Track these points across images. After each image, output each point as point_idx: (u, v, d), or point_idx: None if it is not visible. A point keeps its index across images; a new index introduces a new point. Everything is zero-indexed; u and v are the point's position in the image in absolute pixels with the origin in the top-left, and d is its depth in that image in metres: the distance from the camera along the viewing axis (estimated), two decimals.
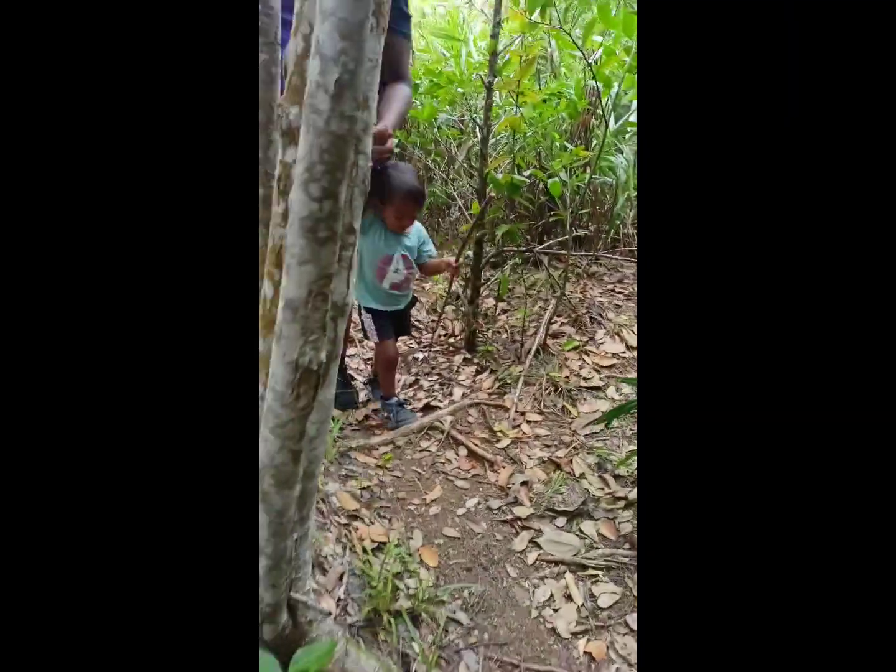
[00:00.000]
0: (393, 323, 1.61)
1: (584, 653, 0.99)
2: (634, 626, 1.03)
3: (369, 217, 1.46)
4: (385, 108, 1.27)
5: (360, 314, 1.61)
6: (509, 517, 1.29)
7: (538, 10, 1.69)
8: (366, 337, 1.69)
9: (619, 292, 2.40)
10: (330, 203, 0.52)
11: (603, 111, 2.01)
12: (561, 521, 1.27)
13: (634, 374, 1.57)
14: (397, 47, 1.31)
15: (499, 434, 1.58)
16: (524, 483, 1.39)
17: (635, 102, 2.50)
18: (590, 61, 1.80)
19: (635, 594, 1.09)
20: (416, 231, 1.57)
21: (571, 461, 1.44)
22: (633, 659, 0.97)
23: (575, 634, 1.02)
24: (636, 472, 1.38)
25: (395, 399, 1.65)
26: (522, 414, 1.65)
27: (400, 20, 1.29)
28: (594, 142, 2.46)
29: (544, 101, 2.19)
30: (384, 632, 0.96)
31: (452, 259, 1.67)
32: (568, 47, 2.06)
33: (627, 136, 2.54)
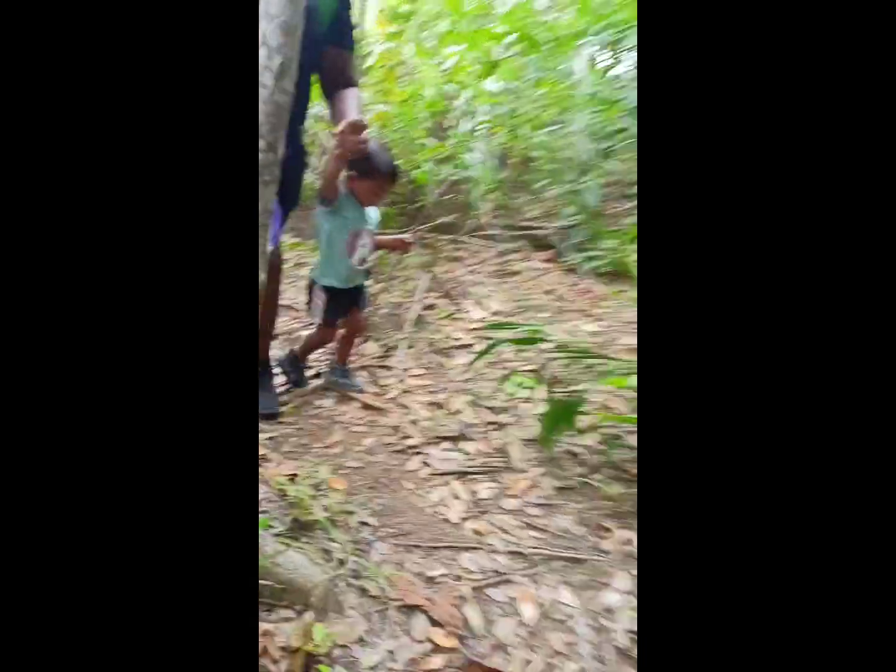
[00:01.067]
0: (350, 301, 1.67)
1: (472, 530, 1.25)
2: (507, 508, 1.32)
3: (340, 196, 1.53)
4: (347, 107, 1.38)
5: (310, 293, 1.66)
6: (402, 447, 1.52)
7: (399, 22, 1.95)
8: (310, 315, 1.72)
9: (480, 272, 2.76)
10: (272, 154, 0.71)
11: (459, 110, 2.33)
12: (445, 444, 1.53)
13: (494, 333, 1.88)
14: (345, 59, 1.43)
15: (387, 388, 1.80)
16: (413, 421, 1.63)
17: (485, 106, 2.89)
18: (444, 68, 2.11)
19: (507, 487, 1.39)
20: (375, 210, 1.67)
21: (450, 400, 1.71)
22: (508, 529, 1.26)
23: (463, 520, 1.28)
24: (505, 403, 1.70)
25: (304, 365, 1.81)
26: (406, 370, 1.90)
27: (346, 34, 1.40)
28: (451, 139, 2.79)
29: (405, 101, 2.46)
30: (306, 536, 1.13)
31: (407, 236, 1.77)
32: (424, 56, 2.35)
33: (478, 133, 2.92)
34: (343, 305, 1.66)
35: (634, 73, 4.81)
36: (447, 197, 2.73)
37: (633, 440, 1.50)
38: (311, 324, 1.82)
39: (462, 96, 2.40)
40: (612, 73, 4.52)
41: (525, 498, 1.35)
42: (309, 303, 1.68)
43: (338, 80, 1.42)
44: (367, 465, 1.44)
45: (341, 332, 1.75)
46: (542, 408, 1.56)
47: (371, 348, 2.05)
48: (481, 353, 1.53)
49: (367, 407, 1.72)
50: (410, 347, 2.02)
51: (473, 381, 1.84)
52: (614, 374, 1.47)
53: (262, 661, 0.90)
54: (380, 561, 1.14)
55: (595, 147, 3.25)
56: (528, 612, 1.07)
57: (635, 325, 2.02)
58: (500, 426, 1.61)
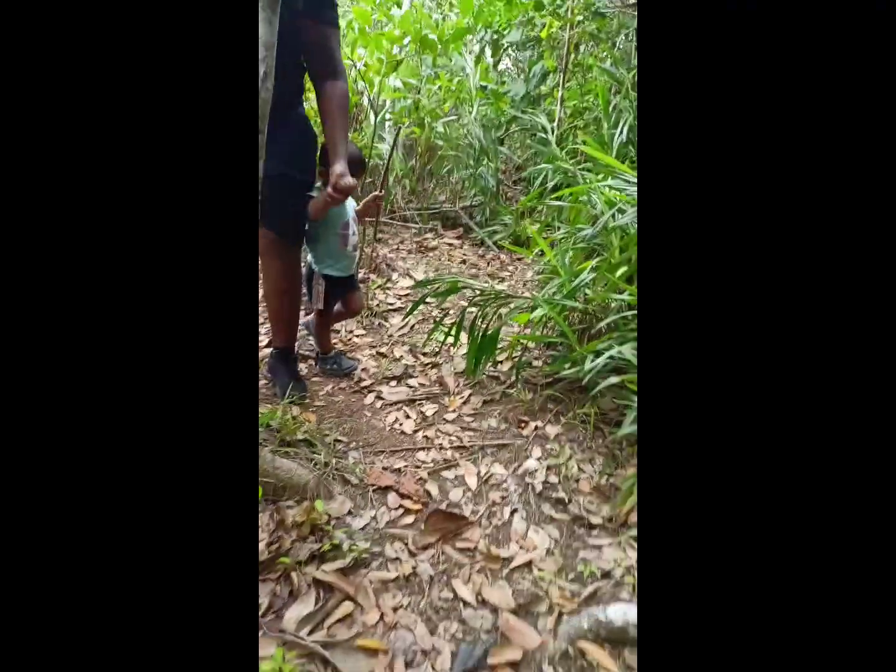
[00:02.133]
0: (345, 287, 1.83)
1: (423, 437, 1.60)
2: (448, 420, 1.68)
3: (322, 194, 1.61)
4: (332, 124, 1.36)
5: (308, 281, 1.79)
6: (357, 388, 1.83)
7: None
8: (310, 301, 1.85)
9: (401, 250, 3.09)
10: (260, 138, 0.99)
11: (371, 104, 2.64)
12: (393, 383, 1.86)
13: (421, 289, 2.22)
14: (329, 38, 1.34)
15: (335, 347, 2.09)
16: (363, 369, 1.94)
17: (389, 101, 3.20)
18: (357, 67, 2.40)
19: (448, 407, 1.74)
20: (349, 200, 1.79)
21: (392, 350, 2.04)
22: (450, 433, 1.61)
23: (415, 431, 1.63)
24: (437, 348, 2.06)
25: (334, 351, 1.94)
26: (351, 331, 2.19)
27: (326, 9, 1.32)
28: (365, 131, 3.09)
29: None
30: (293, 452, 1.42)
31: (377, 193, 1.83)
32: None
33: (388, 126, 3.23)
34: (340, 290, 1.83)
35: (514, 67, 5.32)
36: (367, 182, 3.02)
37: (537, 362, 1.92)
38: (309, 310, 1.97)
39: (369, 93, 2.70)
40: (499, 67, 4.99)
41: (460, 411, 1.72)
42: (309, 291, 1.81)
43: (326, 65, 1.37)
44: (330, 404, 1.74)
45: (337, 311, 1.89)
46: (465, 349, 1.93)
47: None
48: (414, 306, 1.87)
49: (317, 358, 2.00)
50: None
51: (409, 336, 2.18)
52: (520, 312, 1.87)
53: (279, 533, 1.19)
54: (355, 461, 1.46)
55: (489, 135, 3.68)
56: (472, 482, 1.43)
57: (535, 282, 2.45)
58: (435, 365, 1.97)
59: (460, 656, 0.99)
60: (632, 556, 1.19)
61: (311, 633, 1.01)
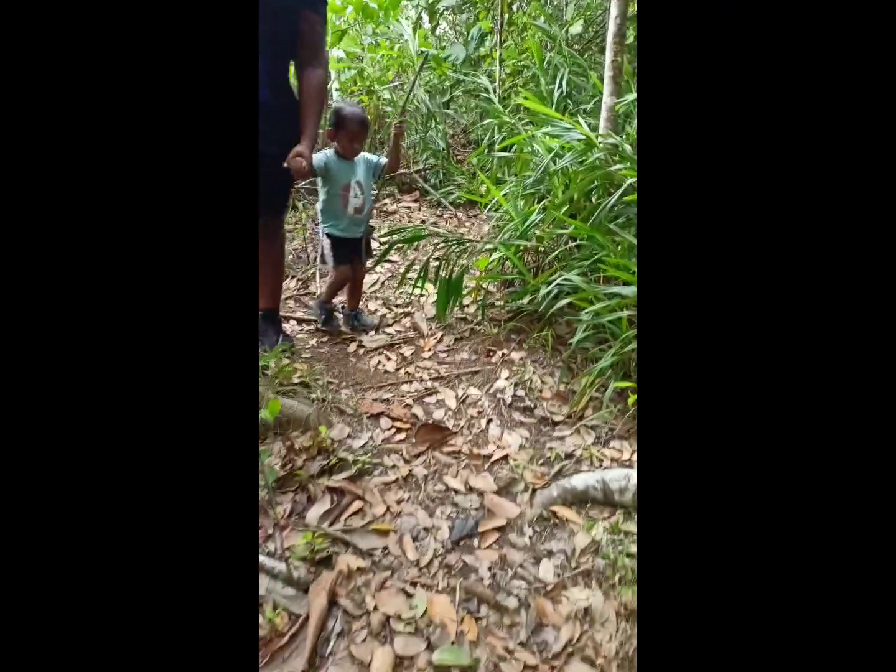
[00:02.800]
0: (351, 249, 1.92)
1: (404, 373, 1.80)
2: (425, 357, 1.88)
3: (325, 158, 1.79)
4: (306, 109, 1.47)
5: (319, 243, 1.92)
6: (339, 339, 2.01)
7: None
8: (323, 262, 2.00)
9: None
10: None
11: None
12: (371, 333, 2.05)
13: (388, 238, 2.39)
14: (313, 26, 1.44)
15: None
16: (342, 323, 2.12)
17: (335, 72, 3.27)
18: None
19: (422, 347, 1.94)
20: (364, 160, 1.89)
21: (367, 304, 2.21)
22: (428, 367, 1.82)
23: (397, 369, 1.82)
24: (408, 300, 2.24)
25: (329, 306, 2.06)
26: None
27: (320, 2, 1.45)
28: None
29: None
30: (291, 392, 1.59)
31: (396, 124, 1.83)
32: None
33: (335, 95, 3.31)
34: (346, 251, 1.91)
35: (453, 31, 5.38)
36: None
37: (499, 302, 2.13)
38: (322, 270, 2.12)
39: None
40: (437, 32, 5.05)
41: (435, 349, 1.92)
42: (319, 250, 1.95)
43: (310, 52, 1.47)
44: (317, 355, 1.91)
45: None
46: (433, 298, 2.12)
47: (292, 284, 2.46)
48: (381, 256, 2.04)
49: (301, 321, 2.16)
50: (322, 277, 2.46)
51: (381, 291, 2.35)
52: (479, 257, 2.07)
53: (290, 456, 1.37)
54: (348, 397, 1.65)
55: (435, 101, 3.80)
56: (452, 403, 1.65)
57: (492, 234, 2.64)
58: (408, 314, 2.16)
59: (456, 528, 1.22)
60: (588, 439, 1.43)
61: (330, 525, 1.21)
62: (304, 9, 1.42)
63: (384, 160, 1.91)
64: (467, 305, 2.17)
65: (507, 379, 1.72)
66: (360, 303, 2.13)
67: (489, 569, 1.12)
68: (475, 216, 3.23)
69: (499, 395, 1.66)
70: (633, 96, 2.14)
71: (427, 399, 1.68)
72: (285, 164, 1.52)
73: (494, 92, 3.52)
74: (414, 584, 1.08)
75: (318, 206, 1.91)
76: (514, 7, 4.07)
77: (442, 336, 2.00)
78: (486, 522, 1.23)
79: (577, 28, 3.97)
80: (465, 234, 2.94)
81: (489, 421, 1.56)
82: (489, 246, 1.95)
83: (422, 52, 4.01)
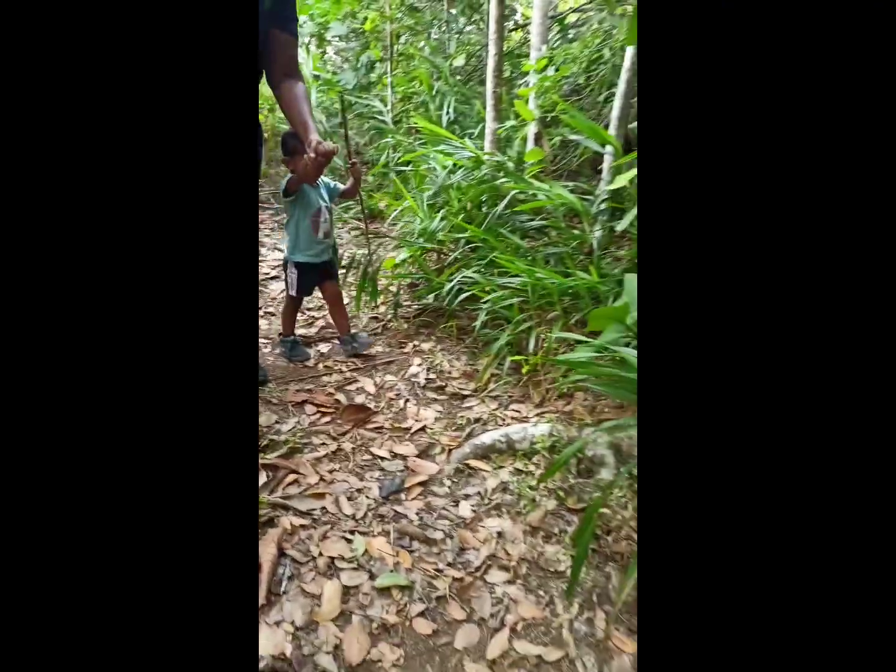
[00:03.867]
0: (318, 274, 1.90)
1: (323, 367, 1.93)
2: (341, 359, 2.02)
3: (294, 188, 1.74)
4: (299, 110, 1.43)
5: (285, 270, 1.90)
6: (322, 370, 2.08)
7: None
8: (287, 289, 1.94)
9: (266, 229, 3.29)
10: None
11: None
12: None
13: None
14: (288, 46, 1.43)
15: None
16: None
17: None
18: None
19: (397, 309, 2.08)
20: (324, 184, 1.88)
21: (279, 309, 2.31)
22: (345, 360, 1.96)
23: (316, 364, 1.95)
24: (316, 301, 2.36)
25: (293, 336, 2.00)
26: None
27: (290, 22, 1.42)
28: None
29: None
30: None
31: (353, 164, 1.84)
32: None
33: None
34: (313, 278, 1.90)
35: (339, 57, 5.61)
36: None
37: (407, 301, 2.34)
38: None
39: None
40: (324, 58, 5.25)
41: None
42: (285, 279, 1.92)
43: (286, 69, 1.44)
44: None
45: (325, 309, 2.01)
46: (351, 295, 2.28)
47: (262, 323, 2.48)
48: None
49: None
50: None
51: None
52: (386, 259, 2.27)
53: None
54: (272, 389, 1.75)
55: (331, 121, 3.98)
56: (371, 388, 1.81)
57: (399, 242, 2.83)
58: (324, 316, 2.29)
59: (384, 487, 1.38)
60: (492, 406, 1.68)
61: (269, 495, 1.32)
62: (273, 28, 1.39)
63: (341, 186, 1.93)
64: (378, 306, 2.35)
65: (419, 365, 1.92)
66: (272, 308, 2.21)
67: (417, 514, 1.30)
68: (379, 226, 3.43)
69: (413, 379, 1.86)
70: (511, 122, 2.48)
71: (348, 387, 1.82)
72: (312, 154, 1.42)
73: (388, 114, 3.78)
74: (352, 532, 1.23)
75: (287, 234, 1.88)
76: (402, 39, 4.39)
77: (357, 332, 2.16)
78: (410, 479, 1.41)
79: (459, 61, 4.38)
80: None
81: (406, 401, 1.75)
82: (398, 247, 2.16)
83: (315, 75, 4.17)
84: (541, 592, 1.09)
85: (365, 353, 1.96)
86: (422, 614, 1.05)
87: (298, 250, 1.84)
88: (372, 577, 1.12)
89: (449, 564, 1.16)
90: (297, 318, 2.08)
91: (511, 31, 4.38)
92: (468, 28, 4.59)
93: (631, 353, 1.09)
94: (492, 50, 2.28)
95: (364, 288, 2.12)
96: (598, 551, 1.15)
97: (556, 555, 1.17)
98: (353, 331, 2.02)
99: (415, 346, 2.05)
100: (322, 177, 1.84)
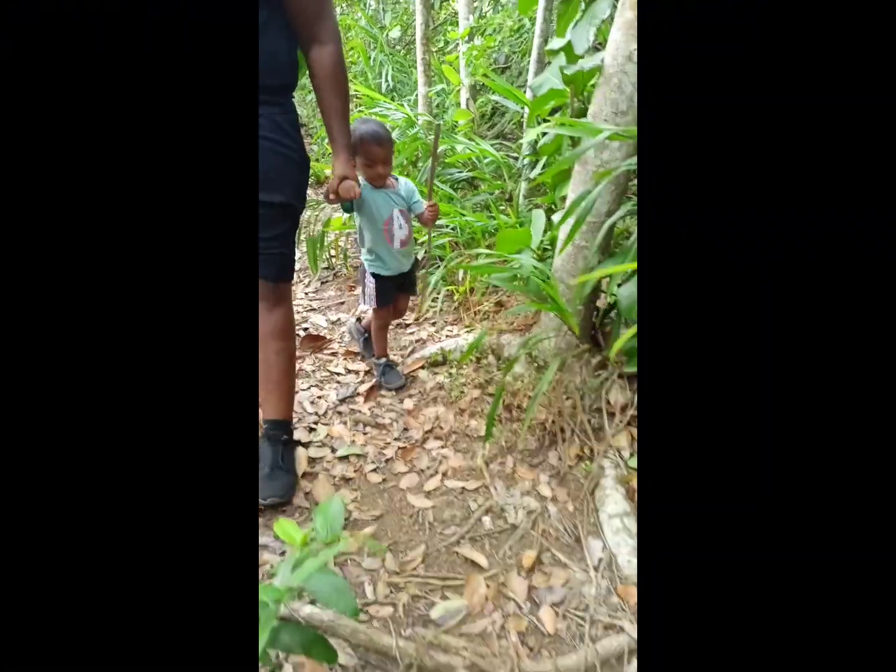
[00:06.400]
0: (397, 287, 1.63)
1: None
2: (299, 297, 2.26)
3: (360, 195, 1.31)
4: (325, 106, 1.12)
5: (363, 279, 1.60)
6: None
7: None
8: (364, 301, 1.65)
9: None
10: None
11: None
12: None
13: None
14: None
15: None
16: None
17: None
18: None
19: (296, 292, 2.31)
20: (404, 185, 1.52)
21: None
22: (301, 303, 2.21)
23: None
24: None
25: (385, 359, 1.72)
26: None
27: None
28: None
29: None
30: None
31: (432, 202, 1.51)
32: None
33: None
34: (391, 289, 1.63)
35: None
36: None
37: (353, 251, 2.59)
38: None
39: None
40: None
41: (306, 290, 2.32)
42: (362, 289, 1.64)
43: (311, 25, 1.06)
44: None
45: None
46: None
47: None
48: None
49: None
50: None
51: None
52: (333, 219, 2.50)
53: None
54: None
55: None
56: (324, 323, 2.07)
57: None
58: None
59: (340, 393, 1.66)
60: (430, 329, 1.97)
61: None
62: None
63: (423, 202, 1.54)
64: (330, 258, 2.59)
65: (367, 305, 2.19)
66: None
67: (369, 409, 1.59)
68: (321, 193, 3.63)
69: (362, 315, 2.13)
70: (441, 86, 2.73)
71: (303, 324, 2.08)
72: (331, 196, 1.24)
73: None
74: (315, 423, 1.51)
75: (361, 241, 1.57)
76: (339, 10, 4.50)
77: (310, 282, 2.40)
78: (362, 387, 1.69)
79: (395, 33, 4.54)
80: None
81: None
82: None
83: None
84: (466, 451, 1.41)
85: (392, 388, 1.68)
86: (374, 471, 1.35)
87: (373, 262, 1.58)
88: (333, 451, 1.41)
89: (395, 439, 1.46)
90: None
91: (444, 1, 4.57)
92: None
93: (526, 259, 1.40)
94: (419, 19, 2.50)
95: (314, 247, 2.35)
96: (509, 418, 1.48)
97: (478, 426, 1.49)
98: (390, 356, 1.76)
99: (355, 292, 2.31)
100: (397, 176, 1.55)
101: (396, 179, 1.53)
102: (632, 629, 0.91)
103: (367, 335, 1.80)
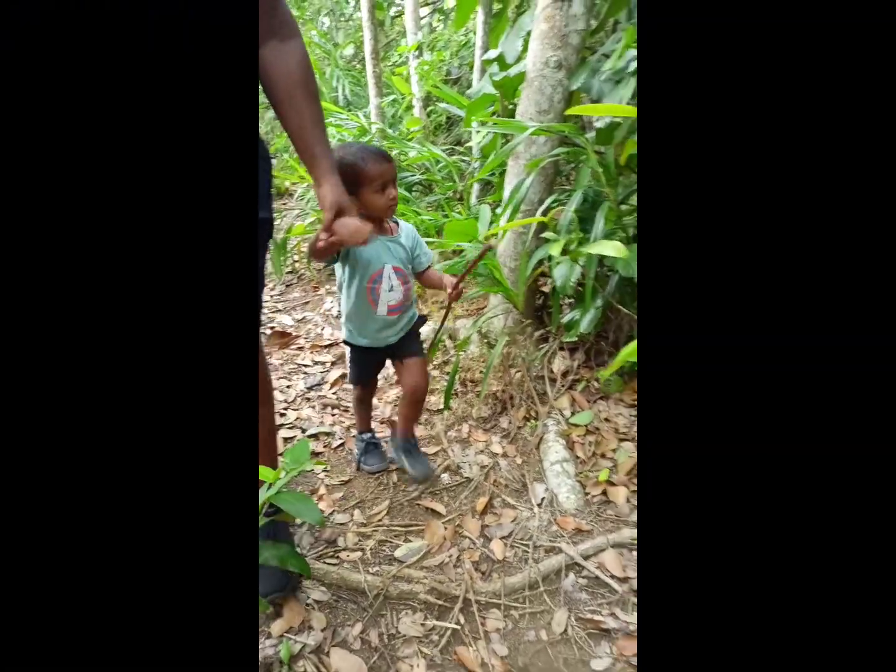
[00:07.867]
0: (381, 358, 1.28)
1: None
2: (265, 300, 2.37)
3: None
4: (292, 114, 0.82)
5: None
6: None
7: None
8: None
9: None
10: None
11: None
12: None
13: None
14: None
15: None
16: None
17: None
18: None
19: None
20: (407, 231, 1.17)
21: None
22: (267, 305, 2.31)
23: None
24: None
25: (369, 434, 1.41)
26: None
27: None
28: None
29: None
30: None
31: (452, 279, 1.16)
32: None
33: None
34: (371, 363, 1.28)
35: None
36: None
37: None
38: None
39: None
40: None
41: (274, 296, 2.42)
42: (346, 361, 1.36)
43: (268, 17, 0.81)
44: None
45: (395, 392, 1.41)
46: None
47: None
48: None
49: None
50: None
51: None
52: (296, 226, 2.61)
53: None
54: None
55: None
56: (291, 322, 2.18)
57: (304, 210, 3.17)
58: None
59: (308, 381, 1.77)
60: None
61: None
62: None
63: (430, 253, 1.23)
64: (298, 261, 2.70)
65: (331, 302, 2.31)
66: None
67: (334, 394, 1.70)
68: (284, 204, 3.73)
69: (327, 312, 2.24)
70: (393, 97, 2.89)
71: (272, 324, 2.18)
72: (330, 239, 0.86)
73: None
74: (286, 408, 1.62)
75: (339, 298, 1.22)
76: None
77: (275, 286, 2.50)
78: (329, 376, 1.81)
79: (349, 50, 4.70)
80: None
81: (322, 329, 2.14)
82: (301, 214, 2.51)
83: None
84: (427, 423, 1.54)
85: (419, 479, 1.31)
86: (340, 446, 1.47)
87: (350, 331, 1.22)
88: (303, 431, 1.52)
89: None
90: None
91: (394, 17, 4.75)
92: (357, 15, 4.90)
93: (468, 246, 1.55)
94: (367, 35, 2.66)
95: (279, 252, 2.46)
96: (464, 391, 1.62)
97: (437, 401, 1.62)
98: (416, 434, 1.36)
99: (327, 289, 2.43)
100: (395, 219, 1.18)
101: (397, 223, 1.16)
102: (569, 548, 1.06)
103: (363, 443, 1.40)
